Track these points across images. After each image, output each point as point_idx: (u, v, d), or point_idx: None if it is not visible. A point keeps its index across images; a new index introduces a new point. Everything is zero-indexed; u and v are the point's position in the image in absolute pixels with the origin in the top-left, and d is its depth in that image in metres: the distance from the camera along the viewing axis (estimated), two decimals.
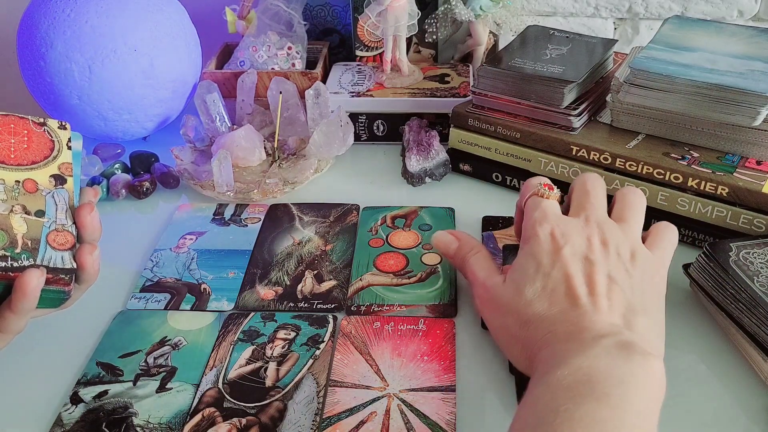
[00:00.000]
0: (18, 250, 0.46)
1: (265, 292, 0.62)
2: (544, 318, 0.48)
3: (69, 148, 0.51)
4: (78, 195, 0.51)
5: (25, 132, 0.49)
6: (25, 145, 0.49)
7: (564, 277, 0.49)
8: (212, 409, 0.51)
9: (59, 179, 0.50)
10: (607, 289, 0.48)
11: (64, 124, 0.51)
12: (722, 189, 0.61)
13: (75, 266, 0.49)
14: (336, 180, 0.78)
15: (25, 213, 0.47)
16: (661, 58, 0.66)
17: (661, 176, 0.64)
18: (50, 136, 0.50)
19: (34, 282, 0.46)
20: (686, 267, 0.58)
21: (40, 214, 0.48)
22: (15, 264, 0.46)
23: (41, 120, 0.50)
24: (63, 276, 0.48)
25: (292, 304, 0.60)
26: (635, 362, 0.42)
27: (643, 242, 0.53)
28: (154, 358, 0.56)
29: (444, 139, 0.77)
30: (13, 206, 0.47)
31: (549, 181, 0.57)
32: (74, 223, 0.49)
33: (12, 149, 0.48)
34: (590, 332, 0.45)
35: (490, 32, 0.90)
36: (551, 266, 0.49)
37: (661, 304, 0.50)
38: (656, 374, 0.42)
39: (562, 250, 0.50)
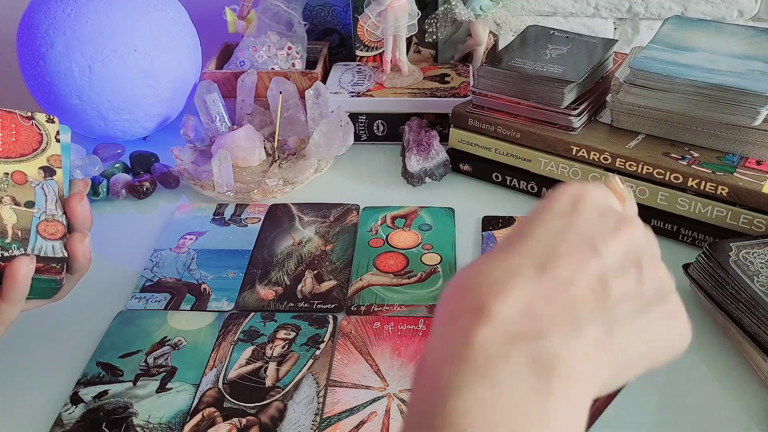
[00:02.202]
0: (8, 240, 0.46)
1: (265, 292, 0.62)
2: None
3: (57, 140, 0.51)
4: (68, 186, 0.51)
5: (13, 126, 0.50)
6: (13, 139, 0.49)
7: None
8: (212, 409, 0.51)
9: (48, 171, 0.50)
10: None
11: (51, 117, 0.51)
12: (722, 189, 0.61)
13: (66, 255, 0.49)
14: (336, 180, 0.78)
15: (15, 204, 0.48)
16: (661, 58, 0.66)
17: (661, 176, 0.64)
18: (38, 129, 0.50)
19: (23, 269, 0.46)
20: (686, 267, 0.58)
21: (30, 204, 0.48)
22: (5, 254, 0.46)
23: (29, 114, 0.51)
24: (54, 265, 0.48)
25: (292, 304, 0.60)
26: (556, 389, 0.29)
27: None
28: (154, 358, 0.56)
29: (444, 139, 0.77)
30: (2, 197, 0.47)
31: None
32: (64, 213, 0.50)
33: (0, 143, 0.49)
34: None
35: (490, 32, 0.90)
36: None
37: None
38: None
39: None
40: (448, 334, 0.32)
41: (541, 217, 0.35)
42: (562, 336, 0.30)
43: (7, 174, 0.48)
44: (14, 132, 0.50)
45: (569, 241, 0.33)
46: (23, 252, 0.47)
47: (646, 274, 0.34)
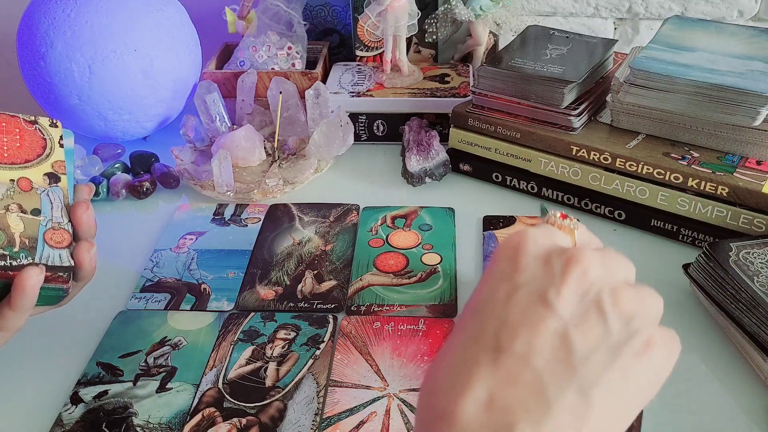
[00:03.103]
0: (16, 249, 0.46)
1: (265, 292, 0.62)
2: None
3: (61, 146, 0.51)
4: (72, 192, 0.51)
5: (17, 130, 0.49)
6: (18, 144, 0.49)
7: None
8: (212, 409, 0.51)
9: (53, 177, 0.50)
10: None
11: (55, 122, 0.51)
12: (722, 189, 0.61)
13: (73, 264, 0.49)
14: (336, 180, 0.78)
15: (22, 212, 0.47)
16: (661, 58, 0.66)
17: (661, 176, 0.64)
18: (42, 134, 0.50)
19: (33, 279, 0.46)
20: (686, 267, 0.58)
21: (36, 212, 0.48)
22: (14, 263, 0.46)
23: (32, 118, 0.50)
24: (61, 274, 0.48)
25: (292, 304, 0.60)
26: None
27: None
28: (154, 358, 0.56)
29: (444, 139, 0.77)
30: (9, 205, 0.47)
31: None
32: (70, 220, 0.50)
33: (5, 148, 0.48)
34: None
35: (490, 32, 0.90)
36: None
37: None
38: None
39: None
40: None
41: (489, 284, 0.34)
42: (530, 421, 0.29)
43: (13, 181, 0.48)
44: (18, 137, 0.49)
45: (519, 305, 0.32)
46: (31, 261, 0.46)
47: (609, 311, 0.31)
